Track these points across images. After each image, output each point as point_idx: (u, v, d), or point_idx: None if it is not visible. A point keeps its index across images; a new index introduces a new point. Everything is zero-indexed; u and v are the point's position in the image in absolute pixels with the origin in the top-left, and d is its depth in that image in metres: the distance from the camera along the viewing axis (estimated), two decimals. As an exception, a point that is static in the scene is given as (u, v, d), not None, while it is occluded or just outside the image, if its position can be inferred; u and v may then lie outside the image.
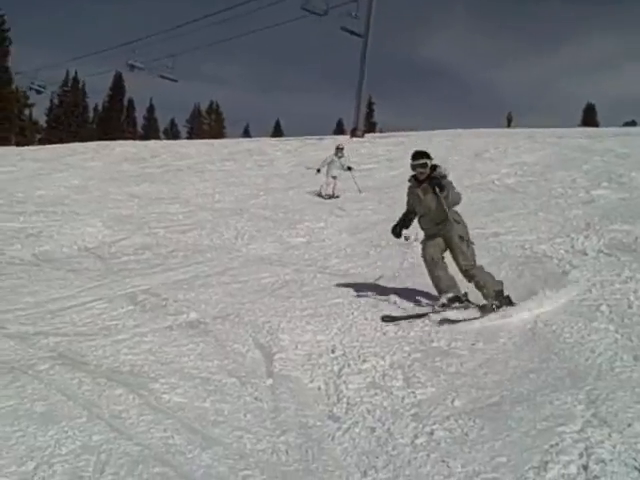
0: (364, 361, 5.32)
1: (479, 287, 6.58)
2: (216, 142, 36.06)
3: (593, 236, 9.29)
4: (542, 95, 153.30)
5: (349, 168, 17.46)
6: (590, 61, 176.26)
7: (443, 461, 3.71)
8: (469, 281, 6.67)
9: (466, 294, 6.67)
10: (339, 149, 18.20)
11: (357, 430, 4.20)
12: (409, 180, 7.02)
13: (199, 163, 23.08)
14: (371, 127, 63.92)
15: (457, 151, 22.98)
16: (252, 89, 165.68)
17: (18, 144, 43.53)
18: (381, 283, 7.81)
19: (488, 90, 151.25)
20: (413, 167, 6.81)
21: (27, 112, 70.23)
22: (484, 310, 6.36)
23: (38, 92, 50.19)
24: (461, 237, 6.65)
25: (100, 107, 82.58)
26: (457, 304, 6.54)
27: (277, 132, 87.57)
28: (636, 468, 3.41)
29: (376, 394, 4.70)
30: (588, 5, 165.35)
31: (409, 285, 7.65)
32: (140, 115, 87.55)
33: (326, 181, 16.95)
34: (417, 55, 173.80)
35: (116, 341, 5.95)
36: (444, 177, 6.76)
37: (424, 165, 6.76)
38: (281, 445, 4.03)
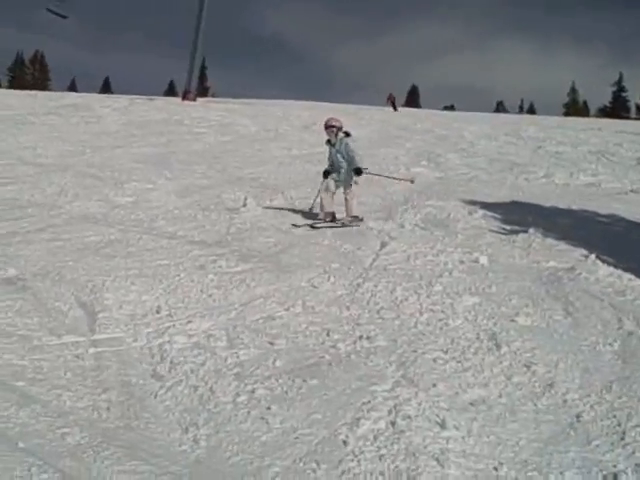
0: (189, 322, 5.38)
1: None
2: (40, 94, 33.90)
3: (410, 211, 9.94)
4: (370, 75, 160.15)
5: (358, 172, 9.36)
6: (419, 48, 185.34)
7: (262, 418, 3.89)
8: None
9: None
10: (331, 128, 9.57)
11: (180, 388, 4.27)
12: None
13: (21, 115, 21.47)
14: (204, 92, 62.86)
15: (288, 122, 23.42)
16: (83, 46, 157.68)
17: None
18: (208, 246, 7.85)
19: (325, 66, 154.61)
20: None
21: None
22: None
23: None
24: None
25: None
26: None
27: (106, 89, 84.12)
28: (438, 423, 3.80)
29: (200, 354, 4.79)
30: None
31: (235, 248, 7.77)
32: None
33: (322, 188, 9.68)
34: (254, 24, 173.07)
35: None
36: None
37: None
38: (102, 403, 4.01)
